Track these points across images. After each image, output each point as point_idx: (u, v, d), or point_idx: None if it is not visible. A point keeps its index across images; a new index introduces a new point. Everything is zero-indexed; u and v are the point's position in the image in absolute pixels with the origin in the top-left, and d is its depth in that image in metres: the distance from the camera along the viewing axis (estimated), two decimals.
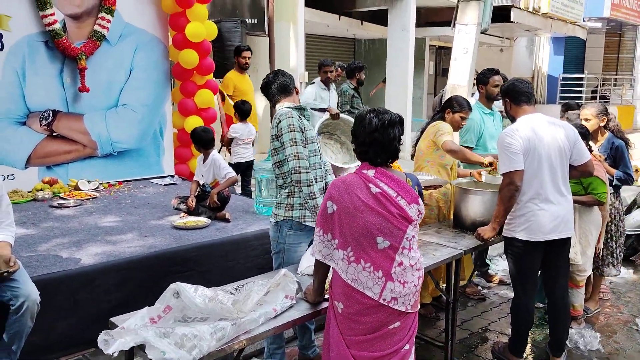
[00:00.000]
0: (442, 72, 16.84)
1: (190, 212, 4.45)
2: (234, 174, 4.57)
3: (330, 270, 2.42)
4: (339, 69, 7.29)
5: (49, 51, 5.32)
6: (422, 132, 4.12)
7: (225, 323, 2.14)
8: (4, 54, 5.07)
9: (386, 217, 2.25)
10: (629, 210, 5.74)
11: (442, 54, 16.73)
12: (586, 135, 3.77)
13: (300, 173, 3.00)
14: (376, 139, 2.30)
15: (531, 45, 17.84)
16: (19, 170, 5.23)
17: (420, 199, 2.31)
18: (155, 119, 6.12)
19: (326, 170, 3.30)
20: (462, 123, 4.04)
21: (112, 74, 5.74)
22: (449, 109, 4.02)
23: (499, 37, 16.09)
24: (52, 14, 5.20)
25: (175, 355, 1.94)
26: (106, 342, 2.03)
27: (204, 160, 4.60)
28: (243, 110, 5.87)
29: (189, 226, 4.17)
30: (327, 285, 2.54)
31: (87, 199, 5.03)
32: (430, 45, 15.06)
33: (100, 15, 5.53)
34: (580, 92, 17.35)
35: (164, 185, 5.82)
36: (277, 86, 3.19)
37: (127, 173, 5.93)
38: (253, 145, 6.18)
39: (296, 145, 2.99)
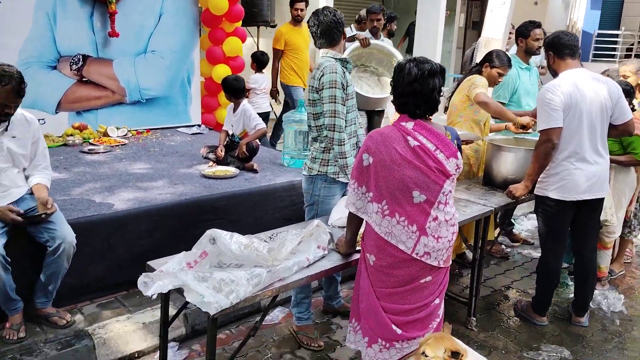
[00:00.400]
0: (472, 25, 16.31)
1: (219, 161, 4.48)
2: (263, 125, 4.55)
3: (364, 222, 2.42)
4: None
5: None
6: (457, 86, 4.02)
7: (261, 270, 2.18)
8: None
9: (424, 170, 2.22)
10: None
11: (474, 6, 16.15)
12: (630, 92, 3.65)
13: (334, 131, 2.97)
14: (416, 90, 2.25)
15: None
16: (50, 114, 5.29)
17: (459, 153, 2.28)
18: (184, 67, 6.09)
19: (360, 125, 3.27)
20: (499, 79, 3.93)
21: (141, 18, 5.69)
22: (488, 62, 3.90)
23: None
24: None
25: (213, 299, 1.98)
26: (145, 285, 2.09)
27: (234, 110, 4.57)
28: (261, 61, 6.08)
29: (218, 175, 4.21)
30: (359, 237, 2.56)
31: (116, 146, 5.09)
32: None
33: None
34: (615, 49, 16.71)
35: (191, 134, 5.84)
36: (322, 30, 3.03)
37: (155, 121, 5.96)
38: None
39: (335, 102, 2.94)
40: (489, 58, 3.91)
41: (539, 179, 3.22)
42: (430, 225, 2.25)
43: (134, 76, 5.74)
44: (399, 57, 4.97)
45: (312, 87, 3.02)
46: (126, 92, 5.73)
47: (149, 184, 3.98)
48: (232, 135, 4.60)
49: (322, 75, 2.95)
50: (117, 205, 3.49)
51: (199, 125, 6.17)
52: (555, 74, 3.19)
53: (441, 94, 2.29)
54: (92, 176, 4.12)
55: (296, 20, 6.04)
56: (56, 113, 5.34)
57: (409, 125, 2.28)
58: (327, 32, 3.03)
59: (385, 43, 5.84)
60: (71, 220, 3.12)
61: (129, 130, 5.60)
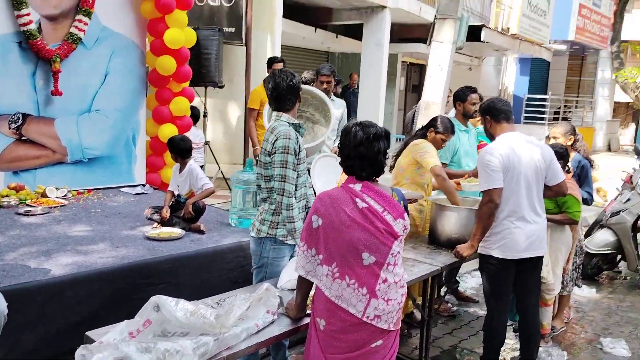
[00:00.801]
0: (412, 89, 17.11)
1: (163, 222, 4.37)
2: (211, 184, 4.52)
3: (313, 285, 2.41)
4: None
5: (22, 52, 5.18)
6: (403, 147, 4.15)
7: (208, 338, 2.11)
8: None
9: (372, 232, 2.26)
10: (590, 230, 5.92)
11: (413, 70, 17.01)
12: (564, 155, 3.88)
13: (283, 195, 3.00)
14: (361, 153, 2.32)
15: (498, 65, 18.32)
16: None
17: (406, 214, 2.34)
18: (129, 126, 6.01)
19: (310, 188, 3.30)
20: (442, 145, 4.10)
21: (86, 77, 5.62)
22: (432, 128, 4.07)
23: (469, 55, 16.47)
24: (27, 14, 5.07)
25: None
26: (83, 357, 1.98)
27: (180, 170, 4.53)
28: (194, 114, 6.35)
29: (162, 237, 4.09)
30: (309, 300, 2.53)
31: (55, 207, 4.88)
32: (402, 62, 15.29)
33: (77, 17, 5.42)
34: (544, 112, 17.89)
35: (135, 194, 5.70)
36: (277, 95, 3.07)
37: (97, 181, 5.79)
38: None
39: (286, 168, 2.97)
40: (433, 124, 4.09)
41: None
42: (380, 287, 2.27)
43: (76, 135, 5.61)
44: (331, 108, 4.94)
45: (265, 150, 3.05)
46: (68, 151, 5.57)
47: (89, 247, 3.82)
48: (178, 195, 4.54)
49: (276, 139, 2.98)
50: (54, 271, 3.31)
51: (144, 185, 6.04)
52: (492, 137, 3.37)
53: (386, 156, 2.37)
54: (28, 239, 3.91)
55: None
56: None
57: (357, 187, 2.33)
58: (281, 98, 3.07)
59: (336, 104, 5.65)
60: (3, 287, 2.92)
61: (69, 191, 5.40)
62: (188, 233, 4.24)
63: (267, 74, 7.64)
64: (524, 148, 3.22)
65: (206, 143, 7.45)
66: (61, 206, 4.95)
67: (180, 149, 4.46)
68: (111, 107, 5.84)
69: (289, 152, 2.96)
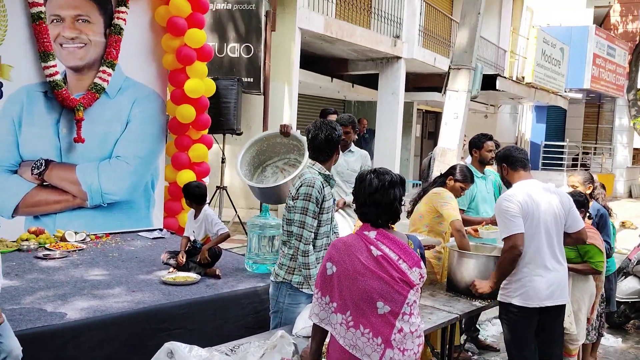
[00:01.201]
0: (428, 135, 17.22)
1: (179, 267, 4.38)
2: (226, 229, 4.54)
3: (329, 333, 2.37)
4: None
5: (48, 101, 5.36)
6: (422, 193, 4.14)
7: None
8: (3, 102, 5.09)
9: (387, 281, 2.23)
10: (615, 276, 5.77)
11: (429, 117, 17.16)
12: (584, 203, 3.84)
13: (300, 242, 3.01)
14: (377, 200, 2.32)
15: (514, 112, 18.40)
16: (5, 219, 5.14)
17: (422, 262, 2.31)
18: (148, 172, 6.12)
19: (335, 234, 3.29)
20: (462, 193, 4.10)
21: (108, 125, 5.78)
22: (451, 176, 4.08)
23: (484, 103, 16.59)
24: (54, 66, 5.27)
25: None
26: None
27: (196, 215, 4.56)
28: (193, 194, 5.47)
29: (178, 282, 4.09)
30: (324, 348, 2.48)
31: (73, 251, 4.93)
32: (417, 109, 15.46)
33: (101, 68, 5.62)
34: (562, 159, 17.80)
35: (152, 238, 5.74)
36: (315, 145, 3.11)
37: (115, 225, 5.86)
38: None
39: (306, 214, 3.00)
40: (452, 172, 4.11)
41: (501, 286, 3.26)
42: (396, 337, 2.22)
43: (96, 181, 5.72)
44: (306, 155, 4.65)
45: (290, 194, 3.08)
46: (88, 196, 5.67)
47: (105, 292, 3.83)
48: (194, 241, 4.55)
49: (301, 186, 3.03)
50: (69, 315, 3.32)
51: (161, 230, 6.09)
52: (509, 184, 3.36)
53: (402, 203, 2.37)
54: (45, 283, 3.94)
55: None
56: (12, 217, 5.20)
57: (372, 234, 2.32)
58: (318, 148, 3.11)
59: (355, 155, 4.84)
60: (19, 331, 2.93)
61: (88, 235, 5.46)
62: (204, 278, 4.24)
63: (282, 122, 7.59)
64: (541, 195, 3.20)
65: (224, 188, 7.53)
66: (79, 250, 4.99)
67: (195, 195, 4.50)
68: (131, 153, 5.96)
69: (310, 199, 2.99)
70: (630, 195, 19.96)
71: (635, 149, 22.19)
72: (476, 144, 4.70)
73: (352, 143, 4.87)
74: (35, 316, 3.25)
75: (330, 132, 3.07)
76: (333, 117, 5.93)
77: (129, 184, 5.97)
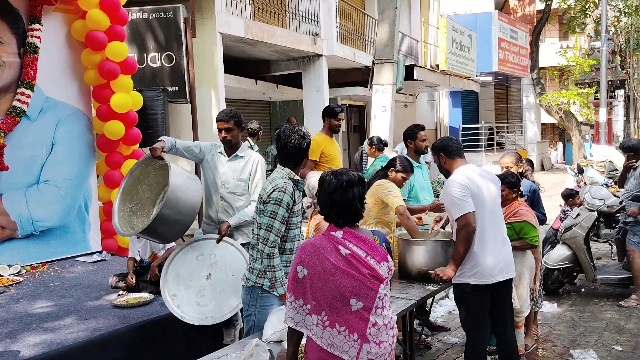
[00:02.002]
0: (353, 129, 17.59)
1: (129, 289, 4.26)
2: (173, 244, 4.46)
3: (304, 335, 2.43)
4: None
5: None
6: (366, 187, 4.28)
7: None
8: None
9: (358, 278, 2.31)
10: (542, 247, 6.22)
11: (352, 111, 17.52)
12: (516, 183, 4.12)
13: (266, 245, 3.04)
14: (336, 200, 2.39)
15: (432, 100, 19.17)
16: None
17: (389, 256, 2.41)
18: (80, 194, 5.87)
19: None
20: (403, 183, 4.27)
21: (32, 149, 5.49)
22: (392, 167, 4.24)
23: (403, 93, 17.15)
24: None
25: None
26: None
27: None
28: None
29: (131, 304, 3.99)
30: (300, 351, 2.54)
31: (10, 285, 4.67)
32: (341, 104, 15.74)
33: (19, 90, 5.32)
34: (479, 140, 18.79)
35: (93, 262, 5.53)
36: (285, 152, 3.12)
37: (51, 253, 5.58)
38: None
39: (275, 219, 3.02)
40: (393, 164, 4.27)
41: None
42: (371, 331, 2.31)
43: (26, 209, 5.42)
44: (175, 180, 3.62)
45: (261, 197, 3.10)
46: (18, 226, 5.36)
47: (55, 324, 3.68)
48: (141, 260, 4.45)
49: (273, 190, 3.05)
50: (23, 352, 3.17)
51: (100, 252, 5.86)
52: (447, 172, 3.55)
53: (364, 202, 2.46)
54: None
55: (334, 131, 5.63)
56: None
57: (338, 234, 2.39)
58: (287, 156, 3.13)
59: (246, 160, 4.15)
60: None
61: (23, 267, 5.17)
62: (157, 296, 4.15)
63: (212, 128, 7.16)
64: (479, 178, 3.42)
65: None
66: (16, 283, 4.74)
67: None
68: (60, 176, 5.69)
69: (281, 204, 3.02)
70: (542, 168, 21.39)
71: (542, 124, 23.80)
72: (410, 135, 4.91)
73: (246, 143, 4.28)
74: None
75: (299, 140, 3.11)
76: (341, 116, 5.62)
77: (60, 209, 5.70)
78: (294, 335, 2.45)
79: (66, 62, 5.82)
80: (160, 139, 3.88)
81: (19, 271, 5.09)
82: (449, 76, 15.62)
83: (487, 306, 3.42)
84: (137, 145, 6.26)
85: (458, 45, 16.30)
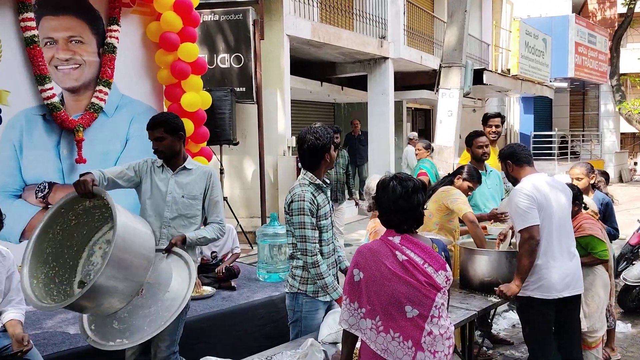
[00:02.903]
0: (418, 133, 17.37)
1: None
2: (239, 249, 4.60)
3: (359, 338, 2.42)
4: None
5: (47, 124, 5.35)
6: (430, 192, 4.20)
7: None
8: (2, 127, 5.06)
9: (414, 285, 2.28)
10: (617, 264, 5.87)
11: (418, 115, 17.30)
12: (577, 196, 3.92)
13: (306, 255, 3.04)
14: (401, 206, 2.36)
15: (502, 105, 18.60)
16: (14, 244, 5.11)
17: (447, 265, 2.36)
18: None
19: (337, 243, 3.33)
20: (469, 193, 4.18)
21: (108, 144, 5.78)
22: (459, 175, 4.15)
23: (472, 98, 16.75)
24: (50, 88, 5.26)
25: None
26: None
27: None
28: None
29: (193, 296, 4.10)
30: (355, 354, 2.53)
31: None
32: (407, 108, 15.58)
33: (97, 88, 5.62)
34: (551, 149, 18.03)
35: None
36: (302, 152, 3.07)
37: None
38: None
39: (304, 228, 3.02)
40: (460, 171, 4.18)
41: None
42: (426, 340, 2.27)
43: None
44: (122, 217, 2.74)
45: (285, 210, 3.11)
46: None
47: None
48: (214, 256, 4.53)
49: (291, 201, 3.05)
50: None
51: None
52: (515, 180, 3.43)
53: (425, 207, 2.42)
54: None
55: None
56: (20, 242, 5.18)
57: (396, 239, 2.37)
58: (304, 158, 3.09)
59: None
60: (46, 355, 2.97)
61: None
62: (219, 291, 4.27)
63: (277, 129, 7.17)
64: (549, 188, 3.28)
65: (224, 199, 7.54)
66: None
67: None
68: None
69: (304, 213, 3.01)
70: (620, 180, 20.26)
71: (622, 134, 22.53)
72: (468, 142, 4.78)
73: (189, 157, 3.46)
74: (59, 339, 3.27)
75: (313, 141, 3.02)
76: (496, 121, 5.34)
77: (133, 202, 5.95)
78: (348, 338, 2.44)
79: (141, 62, 6.09)
80: (86, 172, 3.02)
81: None
82: (521, 81, 15.11)
83: (551, 322, 3.27)
84: (205, 143, 6.46)
85: (531, 49, 15.73)
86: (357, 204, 6.84)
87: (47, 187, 5.37)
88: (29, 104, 5.25)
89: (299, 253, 3.08)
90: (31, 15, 5.13)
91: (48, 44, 5.36)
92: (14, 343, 2.76)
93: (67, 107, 5.48)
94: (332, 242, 3.21)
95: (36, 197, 5.30)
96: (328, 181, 3.25)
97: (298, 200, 3.02)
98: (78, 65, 5.58)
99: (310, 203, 3.01)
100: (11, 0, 5.07)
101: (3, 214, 2.86)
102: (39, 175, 5.33)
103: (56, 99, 5.33)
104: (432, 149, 7.09)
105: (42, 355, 2.90)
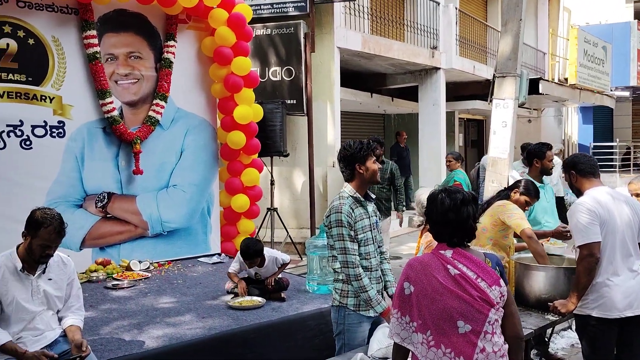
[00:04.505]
0: (471, 144, 17.02)
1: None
2: (287, 257, 4.59)
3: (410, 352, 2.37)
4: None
5: (107, 136, 5.59)
6: (485, 206, 4.08)
7: None
8: (65, 140, 5.33)
9: (467, 300, 2.21)
10: None
11: (471, 126, 16.97)
12: None
13: (347, 268, 3.03)
14: (450, 219, 2.31)
15: (559, 115, 18.00)
16: (74, 252, 5.35)
17: (502, 281, 2.29)
18: (203, 198, 6.28)
19: (382, 255, 3.30)
20: (526, 208, 4.04)
21: (164, 156, 5.97)
22: (517, 189, 4.03)
23: (527, 108, 16.31)
24: (111, 102, 5.51)
25: None
26: None
27: (260, 265, 4.40)
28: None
29: (244, 306, 4.17)
30: None
31: (139, 280, 5.10)
32: (459, 118, 15.32)
33: (154, 101, 5.84)
34: (613, 160, 17.25)
35: (212, 263, 5.87)
36: (340, 166, 3.13)
37: (175, 252, 6.02)
38: None
39: (343, 240, 3.02)
40: (517, 185, 4.05)
41: None
42: (478, 357, 2.19)
43: (156, 210, 5.90)
44: None
45: (324, 222, 3.14)
46: (149, 225, 5.86)
47: (176, 319, 3.94)
48: (256, 277, 4.52)
49: (329, 214, 3.08)
50: (147, 343, 3.43)
51: (219, 254, 6.22)
52: (579, 192, 3.29)
53: (478, 221, 2.36)
54: (119, 313, 4.08)
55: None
56: (80, 250, 5.42)
57: (448, 253, 2.31)
58: (343, 168, 3.12)
59: None
60: None
61: (151, 263, 5.63)
62: (269, 301, 4.30)
63: (327, 140, 7.22)
64: (613, 202, 3.12)
65: (274, 210, 7.63)
66: (145, 279, 5.15)
67: (256, 251, 4.32)
68: (187, 181, 6.13)
69: (342, 225, 3.01)
70: None
71: None
72: (538, 154, 4.63)
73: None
74: (115, 346, 3.37)
75: (342, 152, 3.09)
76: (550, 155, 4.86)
77: (186, 212, 6.13)
78: (399, 352, 2.40)
79: (196, 76, 6.27)
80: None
81: (148, 267, 5.54)
82: (579, 90, 14.58)
83: (613, 343, 3.10)
84: (256, 154, 6.57)
85: (590, 57, 15.17)
86: (400, 220, 6.61)
87: (106, 197, 5.60)
88: (90, 118, 5.50)
89: (340, 266, 3.07)
90: (94, 32, 5.39)
91: (109, 59, 5.62)
92: (73, 348, 2.87)
93: (126, 120, 5.71)
94: (375, 258, 3.18)
95: (96, 207, 5.53)
96: (373, 195, 3.24)
97: (335, 213, 3.04)
98: (137, 80, 5.81)
99: (347, 215, 3.03)
100: (76, 19, 5.36)
101: (65, 223, 2.98)
102: (99, 185, 5.57)
103: (116, 113, 5.57)
104: (463, 159, 7.03)
105: None
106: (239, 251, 4.39)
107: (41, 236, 2.87)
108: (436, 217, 2.35)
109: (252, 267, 4.39)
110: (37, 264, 2.96)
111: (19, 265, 2.93)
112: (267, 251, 4.47)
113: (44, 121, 5.19)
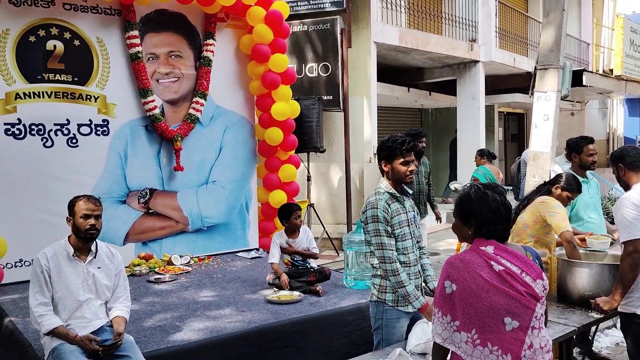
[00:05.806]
0: (511, 138, 16.67)
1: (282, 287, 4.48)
2: (317, 250, 4.71)
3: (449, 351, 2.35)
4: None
5: (148, 134, 5.73)
6: (525, 202, 4.00)
7: None
8: (109, 138, 5.50)
9: (513, 296, 2.18)
10: None
11: (511, 120, 16.63)
12: None
13: (385, 263, 3.03)
14: (503, 215, 2.28)
15: (604, 107, 17.42)
16: (118, 246, 5.51)
17: (544, 274, 2.25)
18: (242, 194, 6.37)
19: (421, 250, 3.29)
20: (568, 203, 3.94)
21: (203, 153, 6.09)
22: (558, 184, 3.93)
23: (570, 100, 15.83)
24: (152, 101, 5.64)
25: None
26: None
27: (295, 236, 4.63)
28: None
29: (283, 301, 4.22)
30: None
31: (180, 274, 5.22)
32: (498, 112, 15.03)
33: (194, 99, 5.95)
34: None
35: (251, 258, 5.95)
36: (379, 159, 3.14)
37: (215, 247, 6.13)
38: None
39: (379, 236, 3.03)
40: (558, 180, 3.95)
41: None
42: (526, 353, 2.16)
43: (196, 206, 6.02)
44: None
45: (361, 218, 3.15)
46: (189, 220, 5.98)
47: (217, 312, 4.02)
48: (293, 259, 4.63)
49: (366, 210, 3.09)
50: (189, 336, 3.51)
51: (257, 249, 6.30)
52: (626, 186, 3.19)
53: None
54: (162, 306, 4.19)
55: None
56: (124, 244, 5.58)
57: (489, 249, 2.28)
58: (378, 163, 3.17)
59: None
60: (147, 353, 3.15)
61: (192, 258, 5.76)
62: (306, 296, 4.34)
63: (363, 136, 7.30)
64: None
65: (311, 205, 7.67)
66: (186, 273, 5.27)
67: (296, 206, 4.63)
68: (226, 177, 6.23)
69: (378, 220, 3.02)
70: None
71: None
72: (575, 147, 4.51)
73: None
74: (158, 338, 3.47)
75: (380, 145, 3.12)
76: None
77: (225, 207, 6.23)
78: (439, 352, 2.38)
79: (234, 74, 6.36)
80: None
81: (188, 262, 5.67)
82: (625, 82, 14.07)
83: None
84: (293, 150, 6.62)
85: (637, 47, 14.61)
86: (438, 219, 6.50)
87: (148, 193, 5.74)
88: (133, 116, 5.65)
89: (378, 261, 3.08)
90: (136, 32, 5.53)
91: (150, 59, 5.75)
92: (114, 337, 2.98)
93: (167, 118, 5.84)
94: (413, 252, 3.17)
95: (139, 203, 5.69)
96: (410, 191, 3.23)
97: (371, 208, 3.06)
98: (177, 79, 5.93)
99: (383, 210, 3.03)
100: (119, 20, 5.51)
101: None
102: (141, 182, 5.72)
103: (157, 111, 5.70)
104: (492, 156, 7.40)
105: (142, 353, 3.09)
106: (277, 215, 4.69)
107: (79, 209, 3.07)
108: (489, 215, 2.27)
109: (291, 236, 4.59)
110: (85, 240, 3.10)
111: (71, 250, 3.10)
112: (308, 229, 4.65)
113: (89, 120, 5.36)
